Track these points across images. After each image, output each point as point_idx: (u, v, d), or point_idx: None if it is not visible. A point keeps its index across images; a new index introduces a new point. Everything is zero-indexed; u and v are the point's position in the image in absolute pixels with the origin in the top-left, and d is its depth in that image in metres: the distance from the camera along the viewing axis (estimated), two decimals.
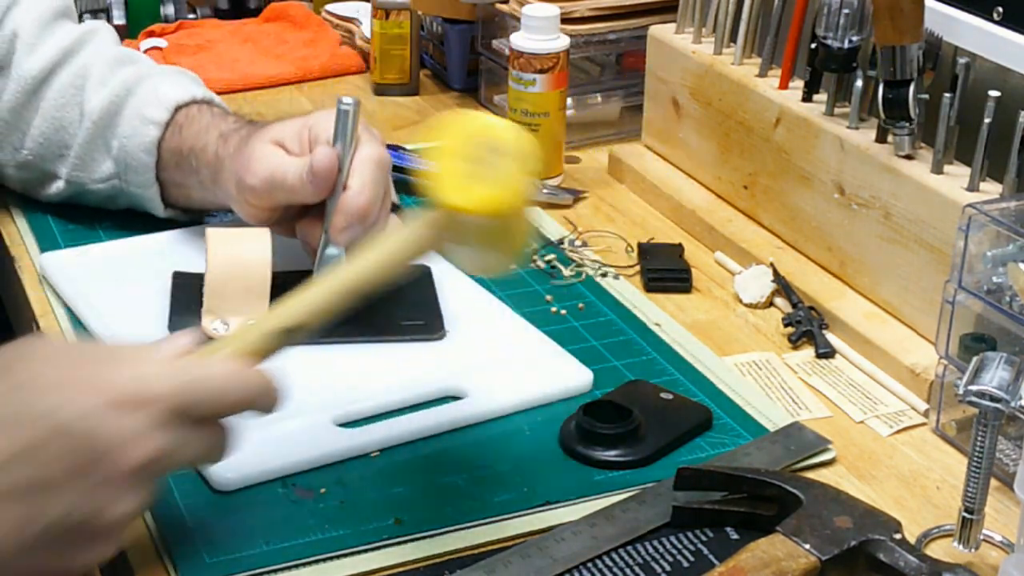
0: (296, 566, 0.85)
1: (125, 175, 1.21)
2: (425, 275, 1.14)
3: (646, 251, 1.24)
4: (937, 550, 0.89)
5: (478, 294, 1.15)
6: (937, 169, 1.09)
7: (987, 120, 1.05)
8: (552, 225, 1.30)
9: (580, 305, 1.16)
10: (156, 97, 1.19)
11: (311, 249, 1.07)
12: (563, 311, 1.15)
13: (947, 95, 1.08)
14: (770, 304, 1.18)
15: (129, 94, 1.20)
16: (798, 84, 1.23)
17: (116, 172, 1.21)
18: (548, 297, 1.17)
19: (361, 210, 1.03)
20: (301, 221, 1.08)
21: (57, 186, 1.25)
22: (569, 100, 1.42)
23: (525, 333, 1.09)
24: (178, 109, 1.18)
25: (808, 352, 1.12)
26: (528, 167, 0.83)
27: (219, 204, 1.17)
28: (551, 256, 1.23)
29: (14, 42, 1.22)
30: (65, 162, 1.23)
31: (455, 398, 1.01)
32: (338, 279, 0.84)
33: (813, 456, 0.97)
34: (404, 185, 1.34)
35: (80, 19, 1.31)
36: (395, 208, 1.10)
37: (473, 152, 0.82)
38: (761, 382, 1.07)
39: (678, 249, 1.25)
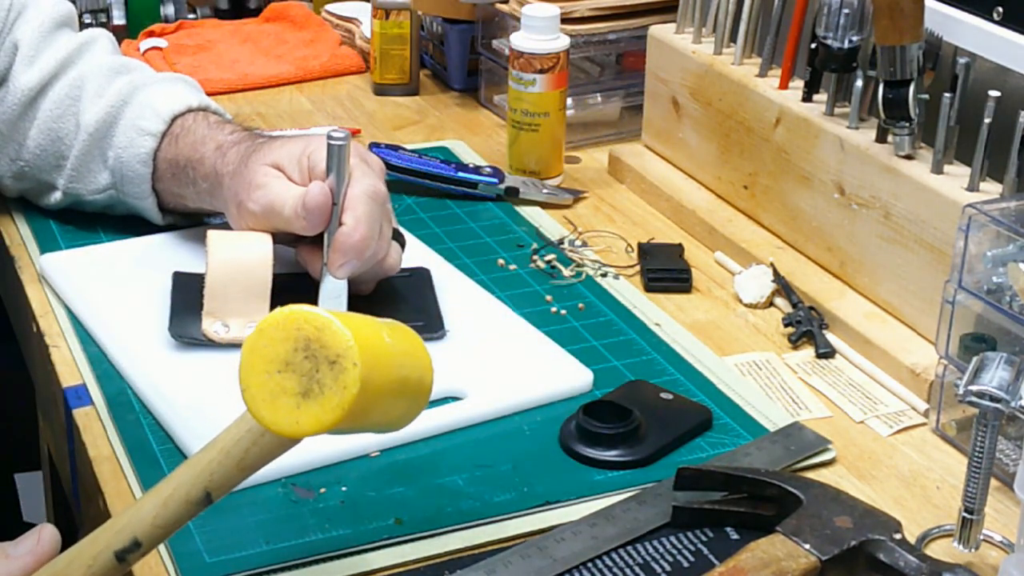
0: (296, 566, 0.85)
1: (121, 186, 1.20)
2: (424, 276, 1.14)
3: (646, 251, 1.24)
4: (937, 550, 0.89)
5: (478, 294, 1.15)
6: (937, 169, 1.09)
7: (987, 120, 1.05)
8: (552, 225, 1.30)
9: (580, 305, 1.16)
10: (152, 108, 1.18)
11: (313, 271, 1.07)
12: (563, 311, 1.15)
13: (947, 95, 1.08)
14: (770, 304, 1.18)
15: (124, 105, 1.20)
16: (798, 84, 1.23)
17: (112, 183, 1.21)
18: (548, 297, 1.17)
19: (355, 247, 1.03)
20: (301, 246, 1.08)
21: (55, 196, 1.25)
22: (569, 100, 1.42)
23: (525, 333, 1.09)
24: (174, 119, 1.18)
25: (808, 352, 1.12)
26: (365, 374, 0.70)
27: (216, 211, 1.17)
28: (551, 256, 1.23)
29: (14, 55, 1.22)
30: (62, 173, 1.23)
31: (455, 398, 1.01)
32: (171, 487, 0.75)
33: (813, 456, 0.97)
34: (404, 185, 1.35)
35: (80, 18, 1.31)
36: (397, 235, 1.10)
37: (291, 359, 0.70)
38: (761, 382, 1.07)
39: (678, 249, 1.25)
